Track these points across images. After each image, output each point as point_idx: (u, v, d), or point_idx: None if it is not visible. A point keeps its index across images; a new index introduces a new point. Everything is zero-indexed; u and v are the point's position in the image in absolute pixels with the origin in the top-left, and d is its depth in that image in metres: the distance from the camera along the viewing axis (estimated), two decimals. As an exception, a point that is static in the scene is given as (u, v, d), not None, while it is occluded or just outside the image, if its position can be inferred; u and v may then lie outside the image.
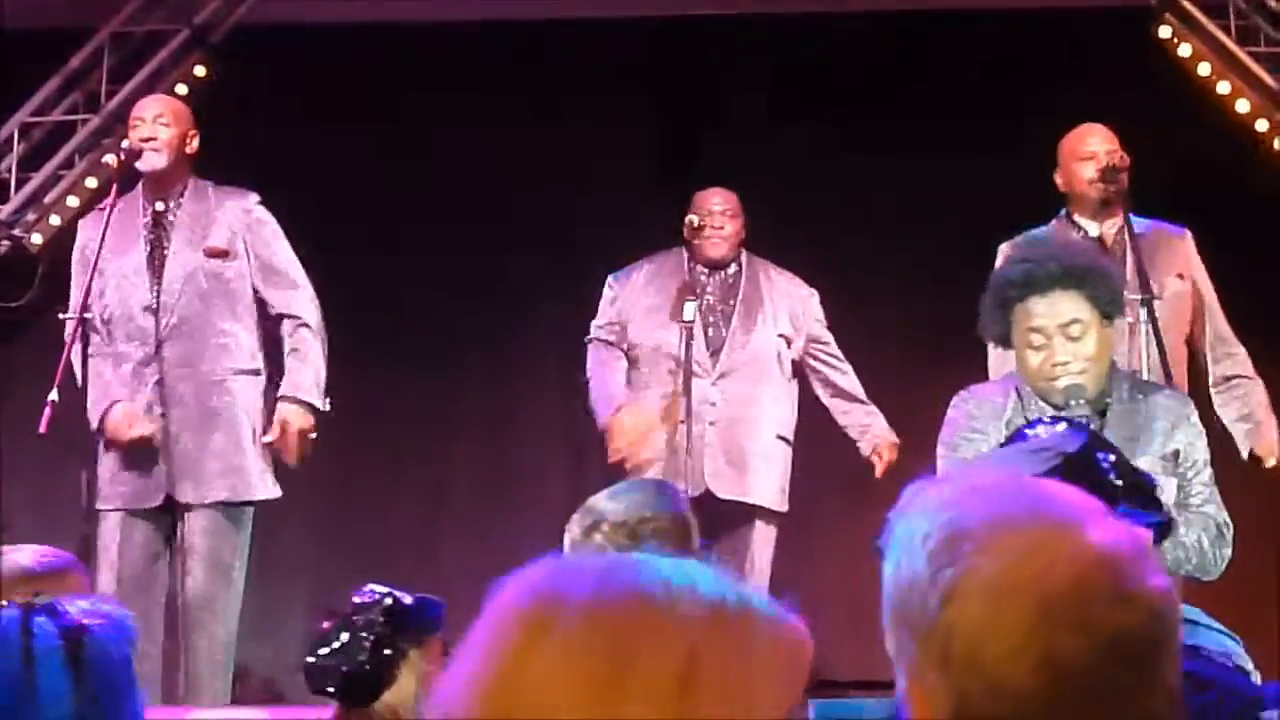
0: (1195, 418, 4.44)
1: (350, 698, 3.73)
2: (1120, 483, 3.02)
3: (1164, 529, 3.04)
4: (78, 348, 6.09)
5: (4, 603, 2.53)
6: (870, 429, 6.82)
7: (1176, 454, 4.32)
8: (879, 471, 6.68)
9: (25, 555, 3.94)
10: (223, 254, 6.30)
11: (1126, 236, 6.06)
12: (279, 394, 6.28)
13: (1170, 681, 1.46)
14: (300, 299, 6.36)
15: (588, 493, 6.96)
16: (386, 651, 3.69)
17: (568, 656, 1.34)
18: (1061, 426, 2.97)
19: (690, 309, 6.55)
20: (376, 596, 3.78)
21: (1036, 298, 4.31)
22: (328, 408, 6.34)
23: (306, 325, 6.34)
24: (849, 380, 6.88)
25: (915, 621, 1.47)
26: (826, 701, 5.38)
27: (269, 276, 6.35)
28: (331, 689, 3.72)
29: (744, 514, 6.60)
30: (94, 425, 6.14)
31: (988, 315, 4.42)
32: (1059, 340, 4.28)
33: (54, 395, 5.99)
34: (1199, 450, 4.36)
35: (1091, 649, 1.41)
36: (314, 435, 6.30)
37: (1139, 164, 6.20)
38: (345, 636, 3.72)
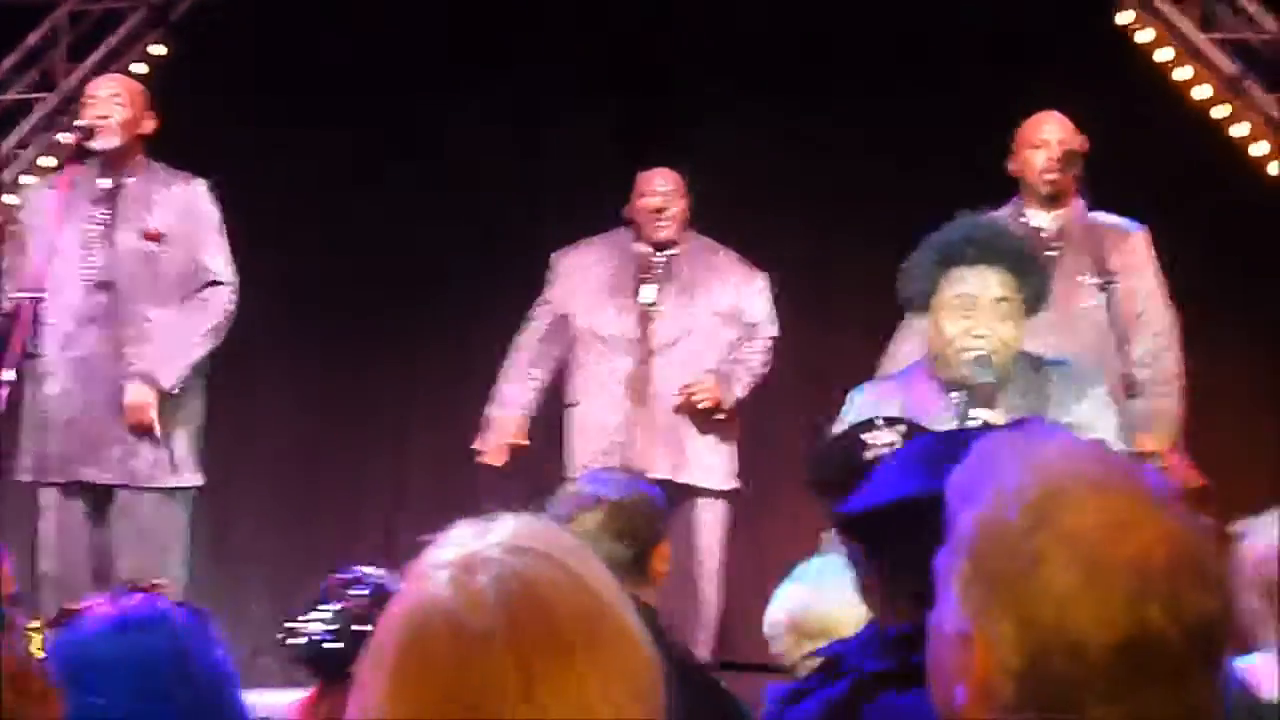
0: (1101, 391, 4.45)
1: (325, 671, 3.74)
2: None
3: None
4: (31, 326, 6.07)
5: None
6: (746, 358, 6.73)
7: (1070, 427, 4.32)
8: (678, 404, 6.59)
9: None
10: (156, 237, 6.27)
11: (1078, 225, 6.06)
12: (132, 368, 6.19)
13: (1224, 670, 1.51)
14: (220, 289, 6.31)
15: (548, 482, 7.00)
16: (366, 629, 3.69)
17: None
18: (899, 429, 2.93)
19: (648, 291, 6.56)
20: (364, 576, 3.80)
21: (981, 267, 4.33)
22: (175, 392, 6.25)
23: (208, 310, 6.28)
24: (755, 355, 6.80)
25: (996, 571, 1.50)
26: (781, 685, 5.38)
27: (198, 268, 6.31)
28: (308, 658, 3.73)
29: (684, 495, 6.59)
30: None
31: (918, 272, 4.43)
32: (986, 313, 4.31)
33: (9, 375, 5.96)
34: (1102, 423, 4.37)
35: (1176, 629, 1.45)
36: (153, 413, 6.19)
37: (1097, 149, 6.20)
38: (331, 611, 3.74)
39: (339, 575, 3.86)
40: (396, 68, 8.09)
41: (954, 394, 4.35)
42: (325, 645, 3.72)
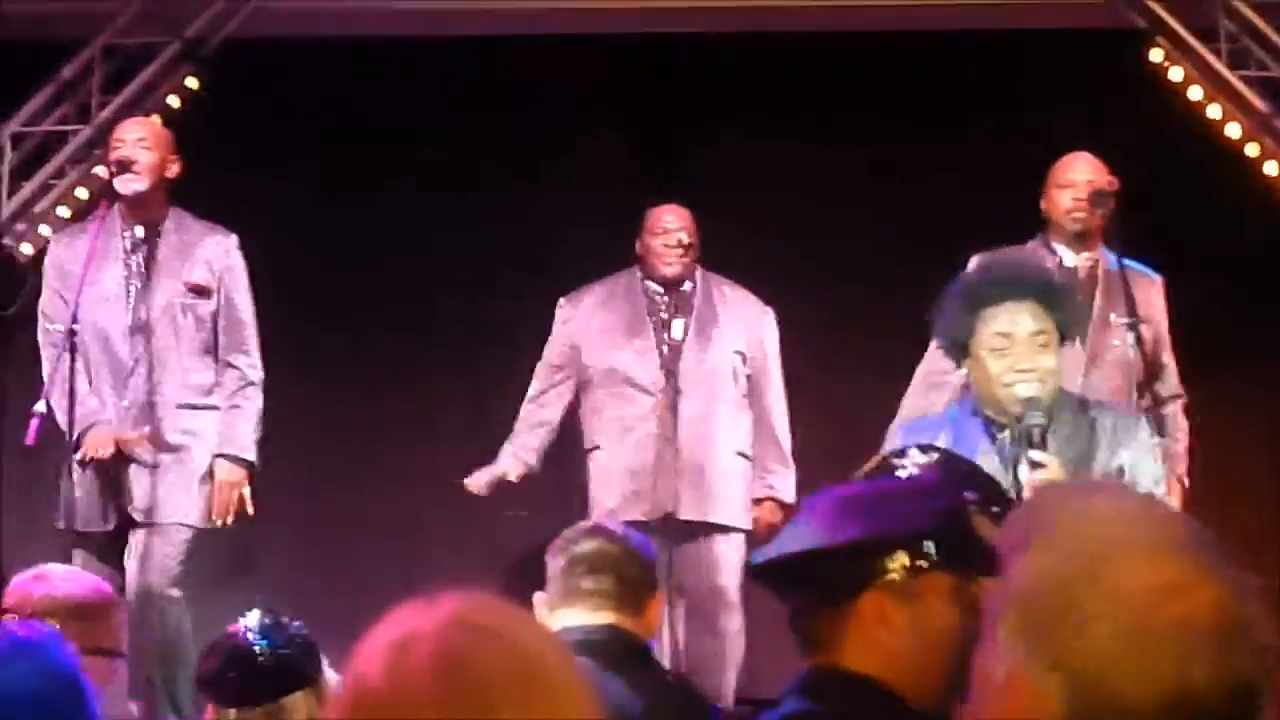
0: (1145, 436, 4.45)
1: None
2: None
3: None
4: (66, 362, 6.10)
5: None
6: (768, 478, 6.79)
7: (1121, 470, 4.32)
8: (756, 530, 6.63)
9: (71, 583, 3.94)
10: (201, 290, 6.35)
11: (1104, 266, 6.07)
12: (216, 450, 6.30)
13: None
14: (249, 360, 6.45)
15: (564, 505, 7.00)
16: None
17: None
18: (931, 456, 2.94)
19: (678, 326, 6.56)
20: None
21: (1010, 304, 4.33)
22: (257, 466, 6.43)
23: (251, 384, 6.39)
24: (779, 418, 6.84)
25: (1044, 625, 1.52)
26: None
27: (230, 325, 6.41)
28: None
29: (706, 533, 6.59)
30: (70, 438, 6.16)
31: (952, 319, 4.43)
32: (1025, 348, 4.31)
33: (41, 407, 6.00)
34: (1147, 468, 4.37)
35: (1219, 691, 1.48)
36: (247, 490, 6.33)
37: (1130, 188, 6.20)
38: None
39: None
40: (422, 103, 8.13)
41: (1002, 434, 4.34)
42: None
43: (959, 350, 4.45)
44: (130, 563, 6.29)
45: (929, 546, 2.48)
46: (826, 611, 2.46)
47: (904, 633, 2.44)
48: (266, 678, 3.58)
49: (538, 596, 3.70)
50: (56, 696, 2.41)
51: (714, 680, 6.50)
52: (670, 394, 6.56)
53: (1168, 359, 6.28)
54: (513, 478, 6.82)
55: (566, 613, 3.61)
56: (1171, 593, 1.50)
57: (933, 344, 5.02)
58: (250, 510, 6.40)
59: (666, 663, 6.12)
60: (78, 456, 6.22)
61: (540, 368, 6.94)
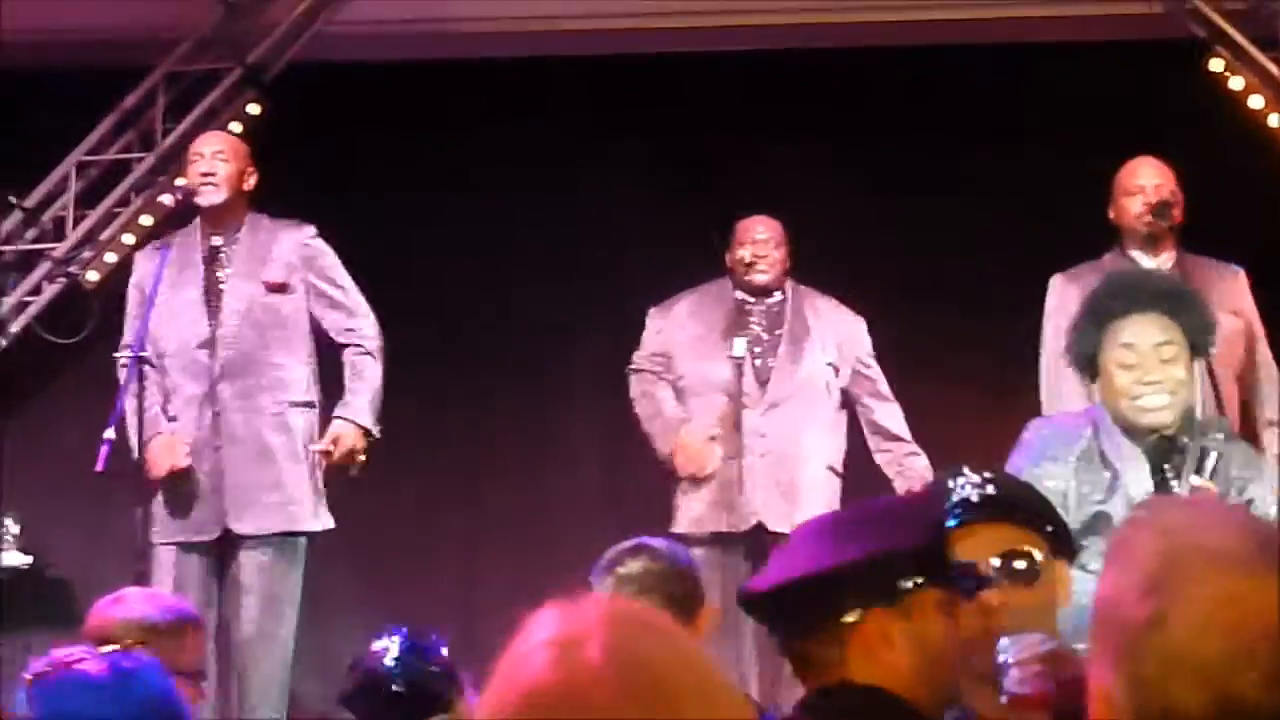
0: (1269, 469, 4.38)
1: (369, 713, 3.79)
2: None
3: None
4: (134, 385, 6.14)
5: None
6: (907, 469, 6.74)
7: (1250, 503, 4.21)
8: None
9: (149, 606, 3.98)
10: (281, 288, 6.37)
11: (1178, 271, 6.04)
12: (335, 413, 6.32)
13: None
14: (362, 325, 6.44)
15: (627, 521, 6.99)
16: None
17: None
18: (984, 475, 2.94)
19: (740, 344, 6.56)
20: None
21: (1135, 316, 4.28)
22: (378, 434, 6.38)
23: (367, 351, 6.42)
24: (892, 416, 6.82)
25: (1116, 631, 1.55)
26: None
27: (331, 306, 6.42)
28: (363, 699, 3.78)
29: None
30: (137, 458, 6.19)
31: (1080, 334, 4.38)
32: (1151, 360, 4.25)
33: (110, 433, 6.05)
34: (1270, 504, 4.25)
35: (1269, 695, 1.47)
36: (363, 457, 6.34)
37: (1192, 198, 6.19)
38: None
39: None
40: (480, 122, 8.18)
41: (1146, 449, 4.29)
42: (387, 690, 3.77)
43: (1089, 365, 4.40)
44: (245, 576, 6.28)
45: (926, 563, 2.52)
46: (827, 634, 2.49)
47: (905, 650, 2.48)
48: (400, 704, 3.68)
49: None
50: None
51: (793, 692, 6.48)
52: (757, 405, 6.55)
53: (1264, 353, 6.23)
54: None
55: None
56: (1234, 602, 1.50)
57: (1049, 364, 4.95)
58: (357, 472, 6.36)
59: (741, 676, 6.12)
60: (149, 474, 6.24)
61: (635, 371, 6.87)
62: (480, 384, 8.24)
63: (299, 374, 6.41)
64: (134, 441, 6.16)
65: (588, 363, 7.63)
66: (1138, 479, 4.21)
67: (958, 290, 7.77)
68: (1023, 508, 2.91)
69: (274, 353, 6.36)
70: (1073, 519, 4.18)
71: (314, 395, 6.45)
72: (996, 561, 2.80)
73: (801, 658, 2.53)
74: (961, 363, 7.75)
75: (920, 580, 2.51)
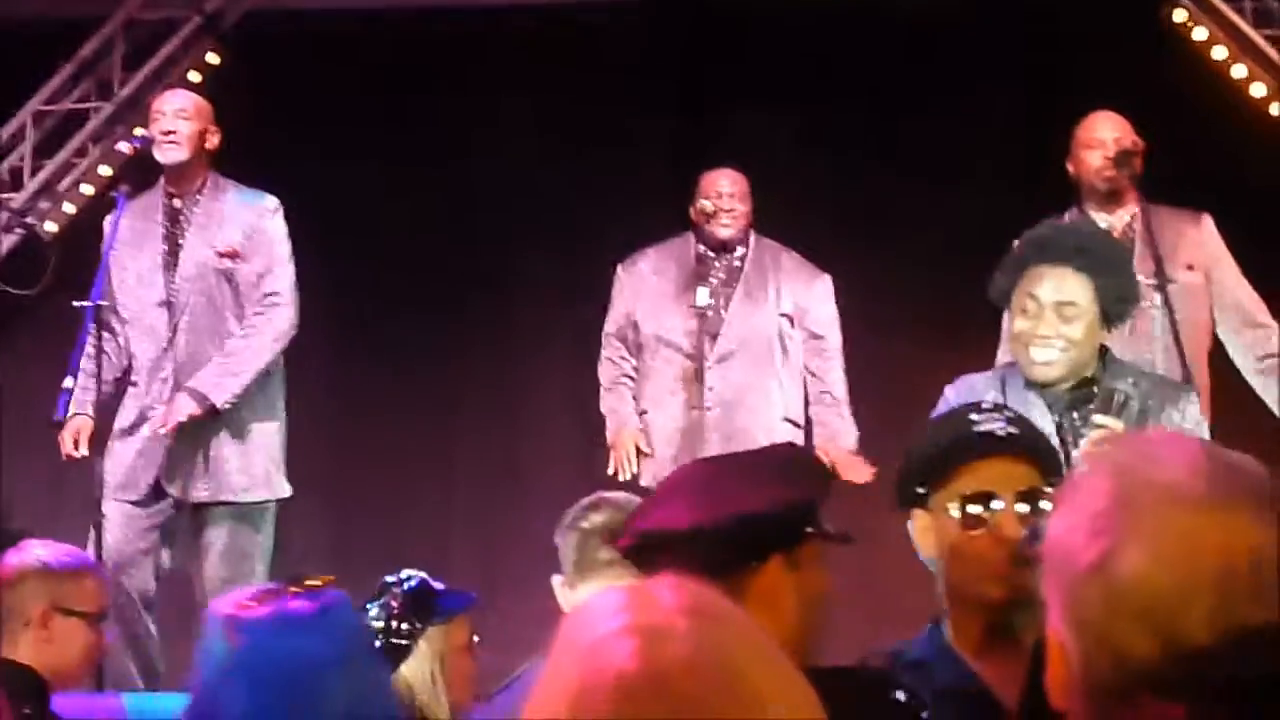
0: (1191, 409, 4.37)
1: None
2: None
3: None
4: (90, 336, 6.10)
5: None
6: (827, 428, 6.73)
7: None
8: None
9: (46, 552, 4.01)
10: (234, 255, 6.32)
11: (1139, 225, 6.03)
12: (188, 382, 6.22)
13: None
14: (279, 306, 6.33)
15: (597, 481, 6.97)
16: (403, 626, 3.76)
17: None
18: (1006, 414, 3.00)
19: (703, 294, 6.54)
20: (403, 578, 3.87)
21: (1047, 268, 4.29)
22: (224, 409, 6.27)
23: (269, 328, 6.30)
24: (833, 373, 6.79)
25: (1063, 579, 1.51)
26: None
27: (261, 279, 6.34)
28: None
29: None
30: (60, 414, 6.12)
31: (1002, 271, 4.41)
32: (1050, 314, 4.27)
33: (69, 382, 6.01)
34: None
35: (1219, 636, 1.42)
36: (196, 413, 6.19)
37: (1152, 149, 6.17)
38: (368, 608, 3.81)
39: (384, 579, 3.93)
40: (444, 76, 8.12)
41: (1052, 396, 4.30)
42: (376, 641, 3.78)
43: (1005, 301, 4.43)
44: (206, 537, 6.25)
45: (815, 514, 2.54)
46: (726, 582, 2.43)
47: (793, 599, 2.50)
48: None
49: (555, 579, 3.73)
50: (361, 657, 2.46)
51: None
52: (707, 359, 6.56)
53: (1245, 295, 6.24)
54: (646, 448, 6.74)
55: (587, 587, 3.62)
56: (1180, 537, 1.45)
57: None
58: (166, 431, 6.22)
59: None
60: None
61: (607, 341, 6.87)
62: (450, 343, 8.20)
63: None
64: (91, 395, 6.13)
65: (558, 321, 7.60)
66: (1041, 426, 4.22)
67: (921, 247, 7.76)
68: (1044, 445, 2.97)
69: (226, 319, 6.32)
70: None
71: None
72: (1020, 500, 2.84)
73: None
74: (923, 317, 7.75)
75: (810, 531, 2.53)
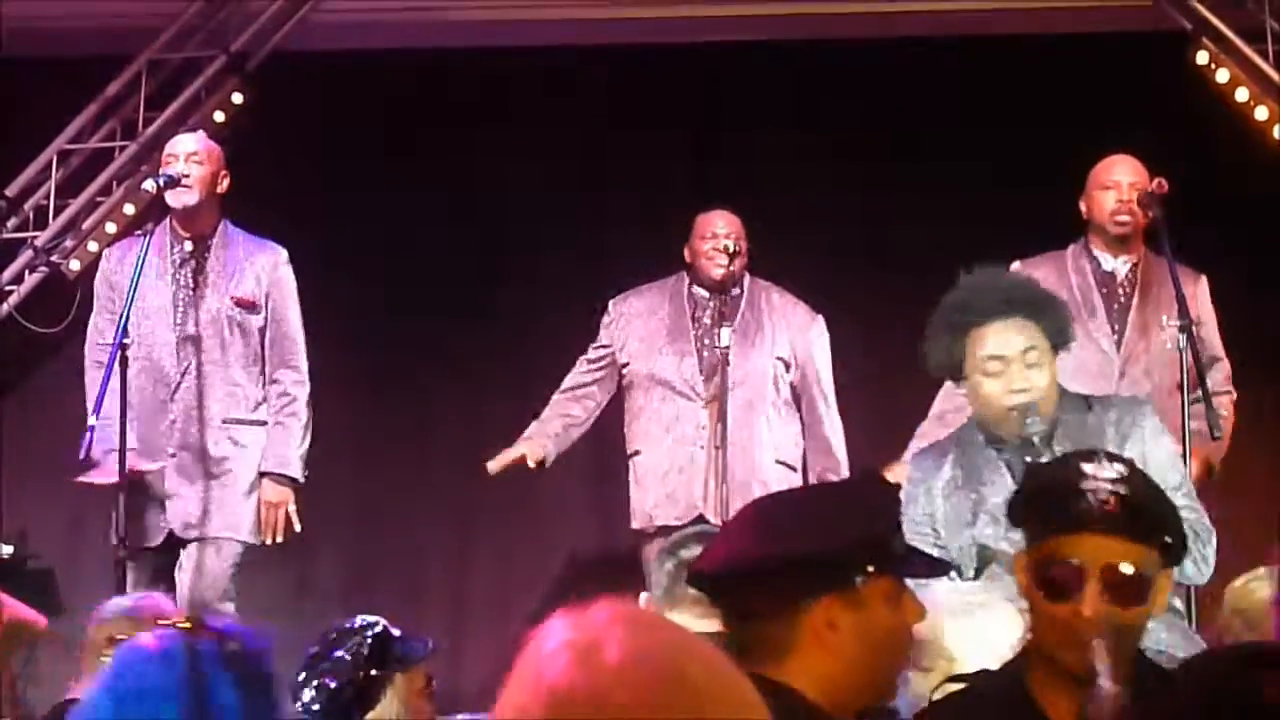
0: (1149, 422, 4.37)
1: (332, 716, 3.80)
2: None
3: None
4: (118, 373, 6.12)
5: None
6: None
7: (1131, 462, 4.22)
8: None
9: (164, 600, 4.18)
10: (250, 305, 6.37)
11: (1147, 269, 6.05)
12: (262, 469, 6.33)
13: None
14: (296, 377, 6.45)
15: (610, 514, 6.97)
16: (373, 672, 3.80)
17: None
18: (1119, 467, 2.91)
19: (725, 334, 6.53)
20: (365, 624, 3.91)
21: (992, 323, 4.30)
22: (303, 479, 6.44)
23: (293, 399, 6.41)
24: (832, 427, 6.78)
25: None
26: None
27: (276, 339, 6.43)
28: (316, 706, 3.80)
29: None
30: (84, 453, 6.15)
31: (937, 345, 4.38)
32: (1016, 367, 4.27)
33: (93, 421, 6.02)
34: (1160, 455, 4.29)
35: None
36: (293, 508, 6.36)
37: (1175, 189, 6.17)
38: (334, 656, 3.82)
39: (339, 625, 3.97)
40: (468, 113, 8.15)
41: (1001, 451, 4.32)
42: (334, 688, 3.81)
43: (955, 374, 4.40)
44: (182, 577, 6.30)
45: (880, 554, 2.52)
46: (778, 618, 2.48)
47: (852, 638, 2.48)
48: (336, 716, 3.72)
49: (643, 597, 3.73)
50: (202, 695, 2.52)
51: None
52: (710, 399, 6.56)
53: (1219, 354, 6.24)
54: (530, 462, 6.76)
55: (671, 617, 3.61)
56: None
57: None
58: (298, 527, 6.42)
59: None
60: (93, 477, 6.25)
61: (580, 362, 6.92)
62: (464, 377, 8.20)
63: (252, 392, 6.42)
64: (115, 434, 6.14)
65: (572, 352, 7.59)
66: (1000, 490, 4.21)
67: (938, 280, 7.73)
68: (1145, 519, 2.85)
69: (233, 368, 6.37)
70: (948, 544, 4.28)
71: (264, 414, 6.44)
72: (1105, 574, 2.78)
73: (746, 638, 2.50)
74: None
75: (872, 570, 2.51)
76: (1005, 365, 4.27)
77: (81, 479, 6.22)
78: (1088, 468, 2.83)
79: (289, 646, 6.05)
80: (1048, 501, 2.87)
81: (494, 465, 6.76)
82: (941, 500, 4.32)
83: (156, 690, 2.52)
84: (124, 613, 4.49)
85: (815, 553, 2.46)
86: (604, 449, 7.13)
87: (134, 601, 4.38)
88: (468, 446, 8.12)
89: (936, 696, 2.93)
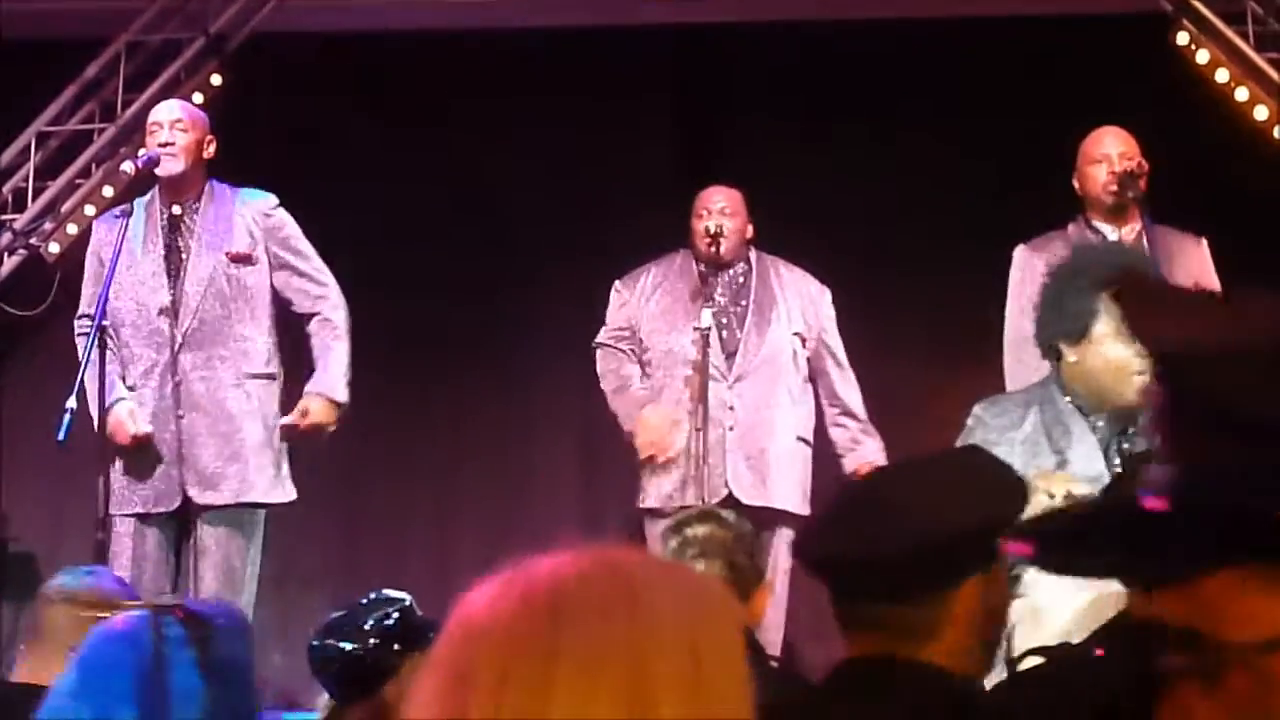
0: None
1: (347, 684, 3.76)
2: None
3: None
4: (95, 354, 6.09)
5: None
6: (859, 449, 6.69)
7: None
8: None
9: (107, 579, 4.09)
10: (245, 259, 6.33)
11: (1145, 242, 6.04)
12: (307, 387, 6.30)
13: None
14: (329, 296, 6.41)
15: (600, 497, 6.96)
16: (395, 647, 3.75)
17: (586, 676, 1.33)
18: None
19: (706, 316, 6.50)
20: (393, 598, 3.85)
21: None
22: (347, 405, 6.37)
23: (334, 324, 6.39)
24: (850, 389, 6.77)
25: None
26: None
27: (296, 274, 6.39)
28: (332, 671, 3.77)
29: (767, 519, 6.38)
30: (97, 427, 6.13)
31: (1071, 306, 4.23)
32: None
33: (72, 403, 6.00)
34: None
35: None
36: (331, 429, 6.31)
37: (1156, 170, 6.18)
38: (359, 624, 3.78)
39: (369, 595, 3.93)
40: (449, 94, 8.14)
41: (1089, 417, 4.26)
42: (350, 654, 3.76)
43: (1072, 337, 4.24)
44: (204, 564, 6.23)
45: (1019, 527, 2.47)
46: (926, 601, 2.42)
47: (983, 615, 2.45)
48: (351, 683, 3.68)
49: None
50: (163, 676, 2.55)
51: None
52: (722, 377, 6.53)
53: None
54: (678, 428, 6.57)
55: None
56: None
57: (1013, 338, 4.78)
58: (324, 438, 6.35)
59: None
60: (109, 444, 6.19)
61: (605, 354, 6.82)
62: (453, 358, 8.20)
63: (261, 345, 6.36)
64: (94, 411, 6.11)
65: (563, 333, 7.59)
66: (1089, 460, 4.17)
67: (923, 264, 7.76)
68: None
69: (236, 323, 6.32)
70: None
71: (275, 367, 6.41)
72: None
73: (882, 620, 2.42)
74: (925, 337, 7.75)
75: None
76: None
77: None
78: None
79: (275, 627, 6.05)
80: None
81: (662, 448, 6.56)
82: (1021, 456, 4.16)
83: (119, 670, 2.53)
84: (66, 591, 4.38)
85: (971, 533, 2.40)
86: (590, 418, 7.10)
87: (78, 580, 4.29)
88: (453, 416, 8.14)
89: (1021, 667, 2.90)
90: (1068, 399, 4.29)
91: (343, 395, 6.35)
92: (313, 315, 6.41)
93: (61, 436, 5.97)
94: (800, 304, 6.75)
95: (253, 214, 6.41)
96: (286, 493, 6.37)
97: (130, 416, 6.19)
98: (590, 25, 8.08)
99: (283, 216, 6.45)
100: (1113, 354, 4.20)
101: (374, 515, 8.13)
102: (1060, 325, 4.28)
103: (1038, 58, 7.78)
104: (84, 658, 2.61)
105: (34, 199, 8.04)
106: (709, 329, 6.49)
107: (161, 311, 6.30)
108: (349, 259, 7.59)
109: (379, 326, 7.97)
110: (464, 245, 8.10)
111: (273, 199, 6.47)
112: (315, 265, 6.44)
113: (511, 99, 8.09)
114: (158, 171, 6.35)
